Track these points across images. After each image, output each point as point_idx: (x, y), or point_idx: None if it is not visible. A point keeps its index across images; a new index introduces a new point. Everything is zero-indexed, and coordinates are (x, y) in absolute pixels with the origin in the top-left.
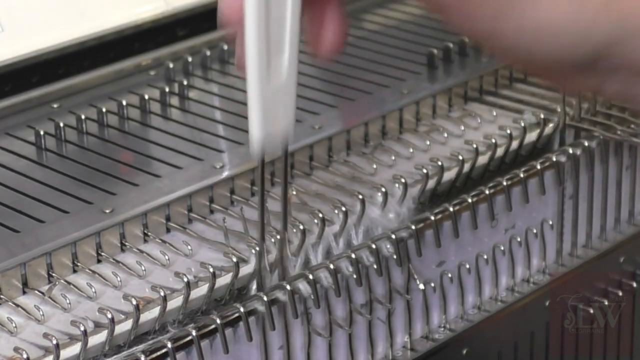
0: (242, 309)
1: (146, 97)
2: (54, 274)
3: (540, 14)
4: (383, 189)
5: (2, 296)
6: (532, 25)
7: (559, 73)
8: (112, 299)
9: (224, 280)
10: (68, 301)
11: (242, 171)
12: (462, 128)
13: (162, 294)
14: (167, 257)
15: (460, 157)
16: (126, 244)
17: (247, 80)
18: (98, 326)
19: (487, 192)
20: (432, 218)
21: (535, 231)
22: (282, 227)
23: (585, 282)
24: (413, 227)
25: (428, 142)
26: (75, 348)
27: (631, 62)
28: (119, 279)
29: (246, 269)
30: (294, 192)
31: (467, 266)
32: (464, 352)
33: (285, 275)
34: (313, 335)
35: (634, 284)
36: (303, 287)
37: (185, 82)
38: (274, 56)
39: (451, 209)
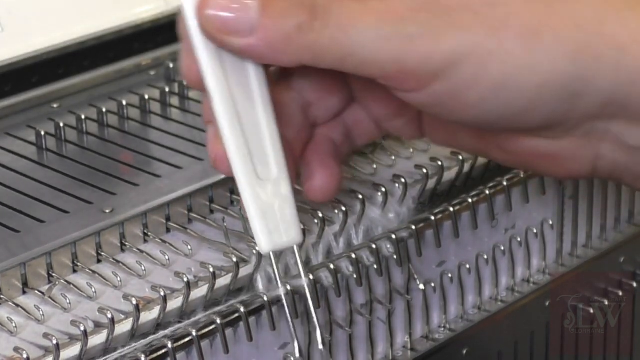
0: (242, 309)
1: (146, 97)
2: (54, 274)
3: (494, 69)
4: (383, 189)
5: (2, 296)
6: (489, 84)
7: (550, 147)
8: (112, 299)
9: (224, 280)
10: (68, 301)
11: None
12: None
13: (162, 294)
14: (167, 257)
15: (460, 157)
16: (126, 244)
17: (239, 188)
18: (98, 326)
19: (487, 192)
20: (432, 218)
21: (535, 231)
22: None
23: (585, 282)
24: (413, 227)
25: (428, 142)
26: (76, 348)
27: (608, 102)
28: (119, 279)
29: (246, 269)
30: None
31: (467, 266)
32: (464, 352)
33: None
34: (313, 335)
35: (634, 284)
36: None
37: (185, 82)
38: (257, 157)
39: (451, 209)
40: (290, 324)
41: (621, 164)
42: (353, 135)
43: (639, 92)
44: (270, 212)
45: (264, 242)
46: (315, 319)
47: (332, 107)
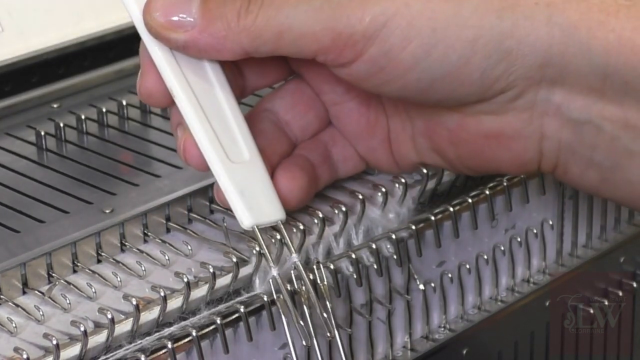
0: (242, 309)
1: None
2: (54, 274)
3: (423, 25)
4: (383, 189)
5: (2, 296)
6: (420, 42)
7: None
8: (112, 299)
9: (224, 280)
10: (68, 301)
11: None
12: None
13: (162, 294)
14: (167, 257)
15: None
16: (126, 244)
17: (213, 172)
18: (98, 326)
19: (487, 192)
20: (432, 218)
21: (535, 231)
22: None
23: (585, 282)
24: (413, 227)
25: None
26: (76, 348)
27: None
28: (119, 279)
29: (246, 269)
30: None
31: (467, 266)
32: (464, 352)
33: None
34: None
35: (634, 284)
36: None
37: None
38: (227, 142)
39: (451, 209)
40: (289, 302)
41: (567, 146)
42: (333, 160)
43: (574, 51)
44: (248, 191)
45: (245, 218)
46: (313, 298)
47: (307, 126)
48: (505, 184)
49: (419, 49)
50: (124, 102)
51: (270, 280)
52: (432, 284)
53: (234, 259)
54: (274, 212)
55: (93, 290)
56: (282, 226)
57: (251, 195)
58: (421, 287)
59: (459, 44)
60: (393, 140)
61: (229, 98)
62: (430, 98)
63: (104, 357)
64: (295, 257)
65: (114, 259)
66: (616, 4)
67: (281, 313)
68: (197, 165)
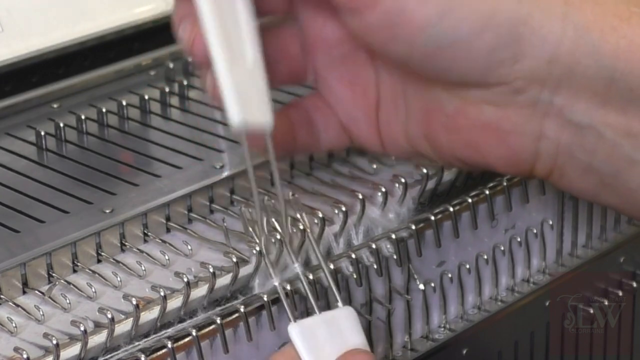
0: (242, 309)
1: (146, 97)
2: (54, 274)
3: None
4: (383, 189)
5: (2, 296)
6: (436, 5)
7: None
8: (112, 299)
9: (224, 280)
10: (68, 301)
11: (242, 171)
12: None
13: (162, 294)
14: (167, 257)
15: None
16: (126, 244)
17: (215, 66)
18: (98, 326)
19: (487, 192)
20: (432, 218)
21: (535, 231)
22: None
23: (585, 282)
24: (413, 227)
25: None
26: (76, 348)
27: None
28: (119, 279)
29: (246, 269)
30: (295, 195)
31: (467, 266)
32: (464, 352)
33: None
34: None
35: (634, 284)
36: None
37: (185, 82)
38: (234, 43)
39: (451, 209)
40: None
41: (566, 149)
42: (315, 124)
43: (583, 51)
44: (243, 93)
45: (236, 115)
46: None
47: (274, 74)
48: (505, 184)
49: (434, 13)
50: (124, 102)
51: (276, 283)
52: (432, 284)
53: (234, 259)
54: (263, 117)
55: (93, 290)
56: (269, 139)
57: (246, 97)
58: (421, 287)
59: (473, 16)
60: (383, 121)
61: (247, 5)
62: (433, 67)
63: (104, 357)
64: (297, 267)
65: (114, 259)
66: (629, 10)
67: (288, 311)
68: (200, 59)
